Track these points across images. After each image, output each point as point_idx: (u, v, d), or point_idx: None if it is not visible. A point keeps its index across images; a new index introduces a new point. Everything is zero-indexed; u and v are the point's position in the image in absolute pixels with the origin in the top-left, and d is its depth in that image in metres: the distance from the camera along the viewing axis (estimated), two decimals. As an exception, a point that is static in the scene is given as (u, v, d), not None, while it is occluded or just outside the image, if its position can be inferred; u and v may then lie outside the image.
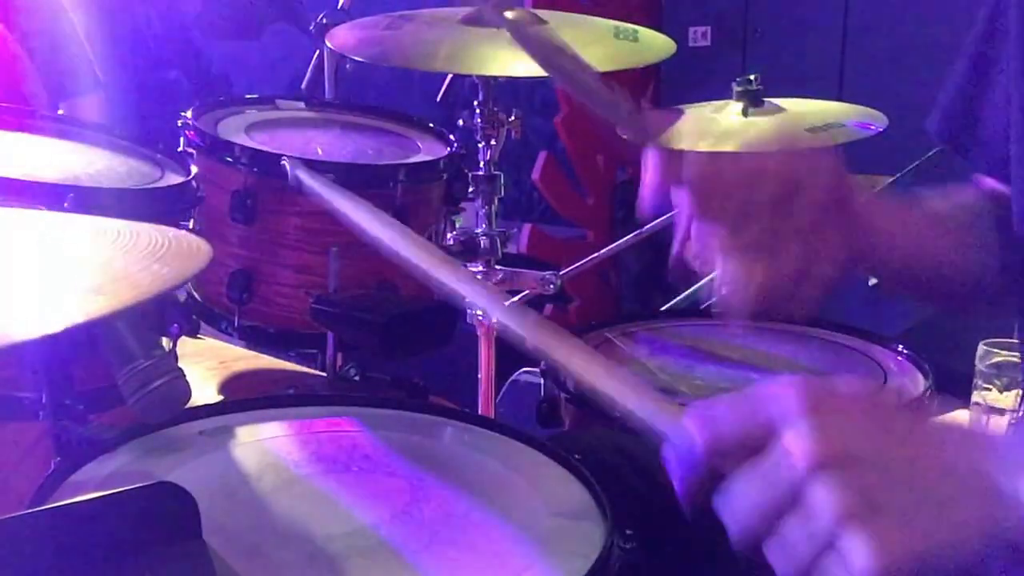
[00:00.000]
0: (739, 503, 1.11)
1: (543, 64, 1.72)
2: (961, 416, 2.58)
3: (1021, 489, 1.06)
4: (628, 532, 1.46)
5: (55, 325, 1.02)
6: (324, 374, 2.83)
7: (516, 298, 2.93)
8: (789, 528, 1.08)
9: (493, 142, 2.68)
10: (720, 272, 1.58)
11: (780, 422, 1.10)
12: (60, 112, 3.41)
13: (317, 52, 3.41)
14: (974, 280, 1.74)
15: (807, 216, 1.56)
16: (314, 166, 2.56)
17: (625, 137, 3.02)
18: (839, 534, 1.05)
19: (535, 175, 5.65)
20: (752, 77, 3.23)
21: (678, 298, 3.79)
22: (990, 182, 1.76)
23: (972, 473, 1.08)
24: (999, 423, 2.51)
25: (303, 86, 3.50)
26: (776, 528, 1.09)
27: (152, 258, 1.23)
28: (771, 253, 1.57)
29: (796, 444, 1.07)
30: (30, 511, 1.16)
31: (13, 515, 1.12)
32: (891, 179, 4.21)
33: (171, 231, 1.35)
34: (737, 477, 1.11)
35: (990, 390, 2.52)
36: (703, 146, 2.96)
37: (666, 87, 5.82)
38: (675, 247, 1.64)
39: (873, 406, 1.14)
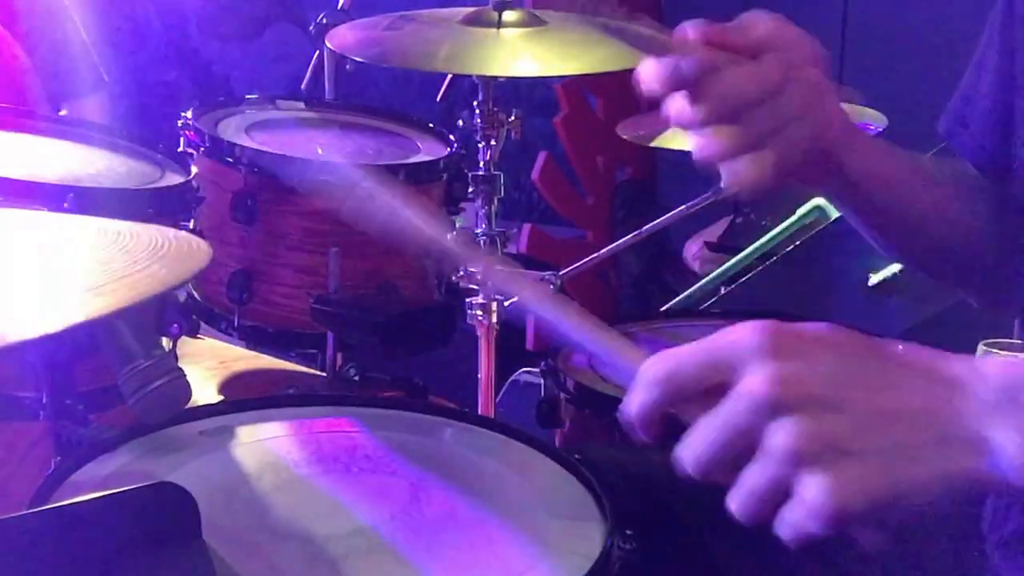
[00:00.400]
0: (698, 446, 1.09)
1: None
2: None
3: (991, 436, 1.05)
4: (628, 532, 1.46)
5: (55, 325, 1.02)
6: (324, 374, 2.83)
7: (516, 298, 2.93)
8: (748, 472, 1.07)
9: (493, 142, 2.68)
10: (730, 163, 1.55)
11: (741, 364, 1.09)
12: (62, 113, 3.41)
13: (317, 52, 3.41)
14: (960, 239, 1.74)
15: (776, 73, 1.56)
16: (314, 166, 2.56)
17: (626, 137, 3.02)
18: (796, 477, 1.04)
19: (535, 175, 5.64)
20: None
21: (678, 298, 3.79)
22: None
23: (939, 419, 1.07)
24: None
25: (303, 86, 3.50)
26: (735, 472, 1.08)
27: (152, 258, 1.23)
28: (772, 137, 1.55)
29: (755, 386, 1.06)
30: (30, 511, 1.16)
31: (13, 515, 1.11)
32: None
33: (171, 231, 1.35)
34: (698, 422, 1.10)
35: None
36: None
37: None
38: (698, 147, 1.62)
39: (839, 346, 1.12)
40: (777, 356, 1.08)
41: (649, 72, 1.52)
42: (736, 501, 1.08)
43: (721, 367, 1.11)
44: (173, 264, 1.23)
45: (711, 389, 1.10)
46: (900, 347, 1.12)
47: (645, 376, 1.14)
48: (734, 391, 1.08)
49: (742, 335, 1.11)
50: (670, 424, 1.14)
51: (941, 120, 1.82)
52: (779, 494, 1.05)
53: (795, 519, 1.04)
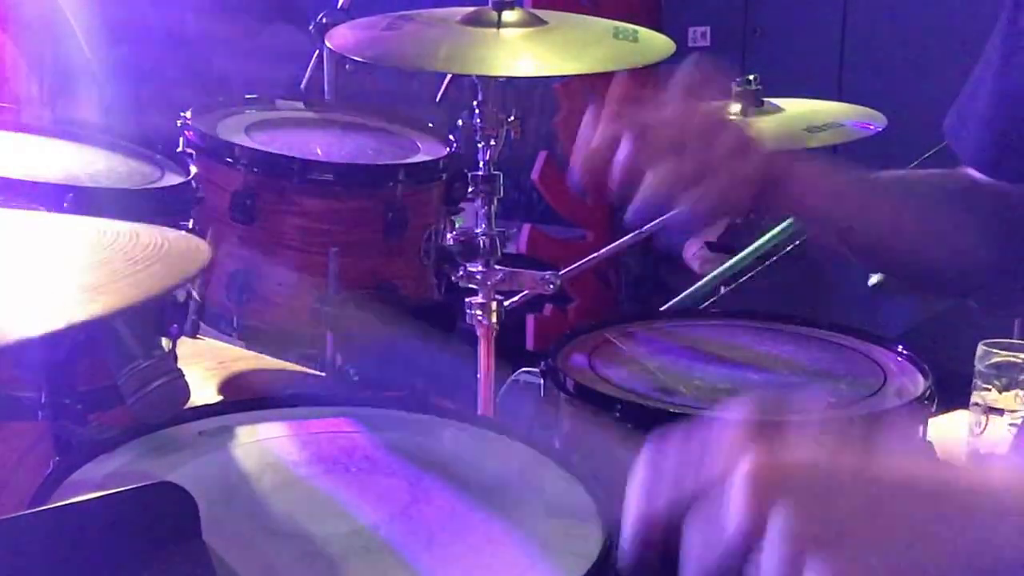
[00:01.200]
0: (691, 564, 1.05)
1: None
2: (961, 416, 2.58)
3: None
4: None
5: (55, 324, 1.02)
6: (323, 374, 2.83)
7: (516, 298, 2.93)
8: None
9: (492, 142, 2.68)
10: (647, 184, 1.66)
11: (721, 478, 1.04)
12: (56, 112, 3.41)
13: (317, 52, 3.41)
14: (944, 250, 1.76)
15: (758, 164, 1.64)
16: (314, 166, 2.56)
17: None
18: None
19: (534, 175, 5.65)
20: (751, 77, 3.24)
21: (677, 298, 3.79)
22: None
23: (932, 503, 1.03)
24: (998, 423, 2.51)
25: (303, 86, 3.50)
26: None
27: (152, 258, 1.23)
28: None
29: (739, 505, 1.01)
30: (30, 511, 1.16)
31: (13, 515, 1.12)
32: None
33: (171, 231, 1.35)
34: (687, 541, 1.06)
35: (990, 390, 2.52)
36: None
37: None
38: (579, 152, 1.73)
39: (824, 441, 1.06)
40: (756, 474, 1.02)
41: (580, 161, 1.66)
42: None
43: (701, 487, 1.06)
44: (173, 264, 1.23)
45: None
46: (897, 460, 1.08)
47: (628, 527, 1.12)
48: (719, 511, 1.03)
49: (720, 445, 1.06)
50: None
51: (945, 120, 1.84)
52: None
53: None
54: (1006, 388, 2.51)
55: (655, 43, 2.68)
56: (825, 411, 1.09)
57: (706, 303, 3.76)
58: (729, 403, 1.09)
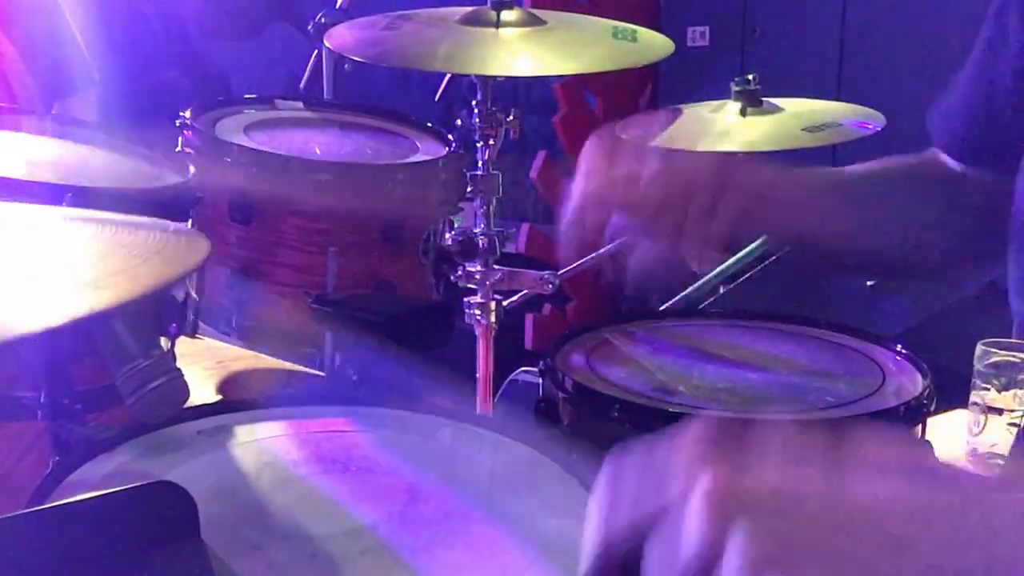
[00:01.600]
0: None
1: None
2: (960, 416, 2.58)
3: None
4: (627, 532, 1.45)
5: (55, 319, 1.02)
6: (322, 374, 2.83)
7: (515, 298, 2.93)
8: None
9: (491, 142, 2.68)
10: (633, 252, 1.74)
11: (681, 497, 1.00)
12: (54, 111, 3.41)
13: (315, 52, 3.42)
14: (894, 252, 1.82)
15: (727, 219, 1.71)
16: (313, 166, 2.57)
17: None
18: None
19: (533, 174, 5.65)
20: (750, 77, 3.24)
21: (677, 298, 3.79)
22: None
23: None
24: (997, 423, 2.52)
25: (302, 86, 3.51)
26: None
27: (151, 252, 1.23)
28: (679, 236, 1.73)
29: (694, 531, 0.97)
30: (28, 511, 1.16)
31: (11, 515, 1.12)
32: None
33: (171, 224, 1.35)
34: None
35: (989, 390, 2.52)
36: (701, 146, 2.97)
37: (664, 87, 5.83)
38: (567, 215, 1.80)
39: (788, 456, 1.01)
40: (714, 497, 0.98)
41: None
42: None
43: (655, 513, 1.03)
44: (173, 258, 1.23)
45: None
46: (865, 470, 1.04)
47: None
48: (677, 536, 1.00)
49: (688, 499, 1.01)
50: None
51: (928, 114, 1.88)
52: None
53: None
54: (1005, 388, 2.51)
55: (654, 43, 2.68)
56: (788, 426, 1.04)
57: (706, 303, 3.75)
58: (691, 420, 1.06)
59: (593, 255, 3.07)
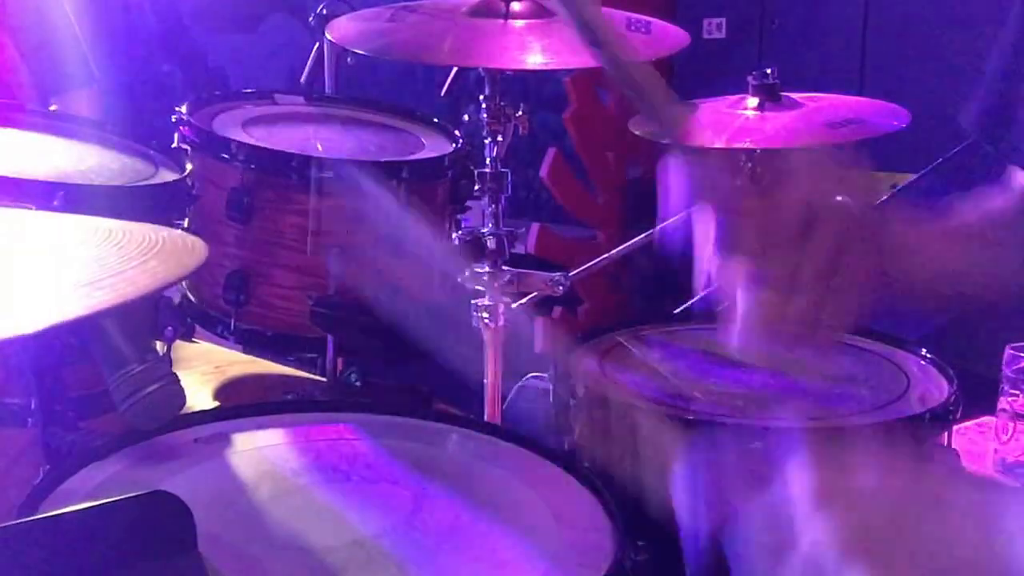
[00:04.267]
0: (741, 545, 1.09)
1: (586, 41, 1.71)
2: (987, 423, 2.58)
3: None
4: (639, 543, 1.45)
5: (47, 321, 1.01)
6: (324, 379, 2.83)
7: (524, 300, 2.93)
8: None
9: (500, 138, 2.68)
10: (739, 309, 1.55)
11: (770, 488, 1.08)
12: (52, 108, 3.41)
13: (317, 44, 3.42)
14: (995, 293, 1.75)
15: (828, 252, 1.54)
16: (314, 163, 2.56)
17: (638, 133, 3.02)
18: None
19: (543, 172, 5.65)
20: (768, 71, 3.23)
21: (691, 301, 3.79)
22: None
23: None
24: (1025, 430, 2.51)
25: (302, 80, 3.50)
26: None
27: (146, 256, 1.23)
28: (790, 290, 1.53)
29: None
30: (17, 521, 1.16)
31: (0, 525, 1.11)
32: (914, 177, 4.20)
33: (164, 229, 1.35)
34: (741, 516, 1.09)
35: (1017, 396, 2.52)
36: (719, 143, 2.96)
37: (680, 81, 5.81)
38: (700, 280, 1.63)
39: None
40: None
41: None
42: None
43: None
44: (167, 262, 1.23)
45: None
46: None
47: None
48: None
49: None
50: None
51: (967, 116, 1.83)
52: None
53: None
54: (1033, 394, 2.51)
55: (668, 35, 2.67)
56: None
57: (720, 305, 3.75)
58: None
59: (604, 256, 3.07)
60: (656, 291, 5.73)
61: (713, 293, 1.58)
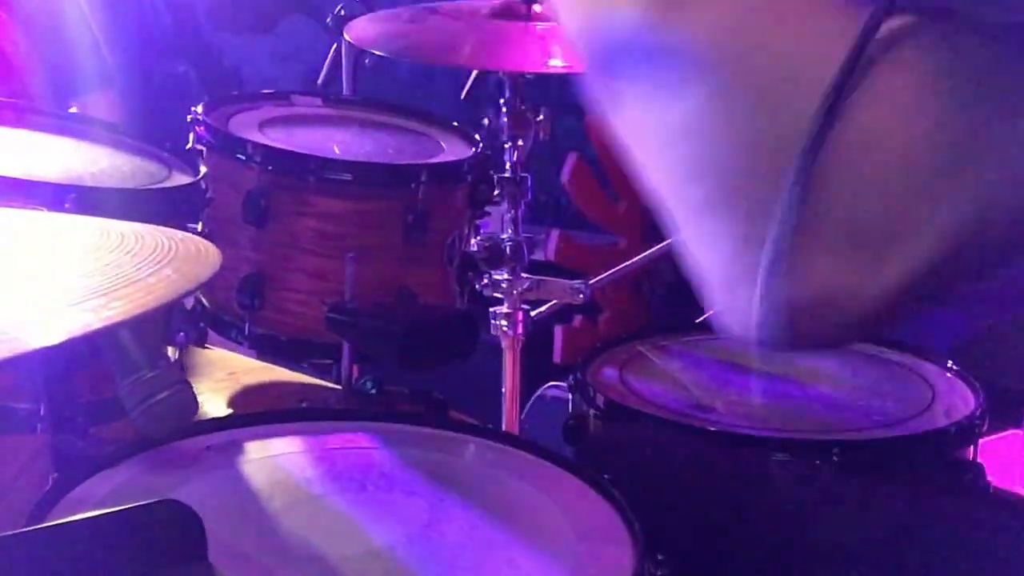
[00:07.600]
0: None
1: None
2: (1014, 437, 2.57)
3: None
4: (659, 556, 1.45)
5: (57, 335, 1.01)
6: (339, 387, 2.83)
7: (543, 308, 2.93)
8: None
9: (520, 143, 2.68)
10: None
11: None
12: (73, 110, 3.42)
13: (334, 46, 3.41)
14: None
15: None
16: (331, 165, 2.56)
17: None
18: None
19: (564, 177, 5.64)
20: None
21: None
22: None
23: None
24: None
25: (320, 81, 3.50)
26: None
27: (160, 263, 1.23)
28: None
29: None
30: (26, 529, 1.16)
31: (9, 533, 1.12)
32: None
33: (178, 234, 1.35)
34: None
35: (1045, 409, 2.51)
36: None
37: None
38: None
39: None
40: None
41: None
42: None
43: None
44: (181, 269, 1.23)
45: None
46: None
47: None
48: None
49: None
50: None
51: None
52: None
53: None
54: (1062, 407, 2.50)
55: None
56: None
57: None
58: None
59: (626, 264, 3.07)
60: (678, 300, 5.73)
61: None
